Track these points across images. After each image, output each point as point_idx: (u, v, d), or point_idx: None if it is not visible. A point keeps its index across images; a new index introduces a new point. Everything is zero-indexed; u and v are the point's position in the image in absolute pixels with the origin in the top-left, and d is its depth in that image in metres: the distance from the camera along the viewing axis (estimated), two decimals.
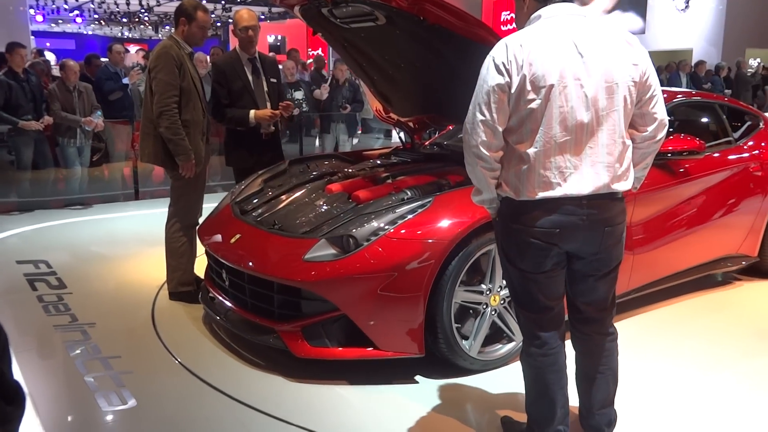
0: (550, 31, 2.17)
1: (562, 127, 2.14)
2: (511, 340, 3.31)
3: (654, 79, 2.26)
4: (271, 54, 7.56)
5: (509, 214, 2.30)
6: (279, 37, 20.99)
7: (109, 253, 5.37)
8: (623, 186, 2.26)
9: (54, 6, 23.86)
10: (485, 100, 2.16)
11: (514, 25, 2.42)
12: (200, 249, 4.00)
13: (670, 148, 3.78)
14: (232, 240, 3.48)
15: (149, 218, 6.54)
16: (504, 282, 3.17)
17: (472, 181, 2.36)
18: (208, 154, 4.22)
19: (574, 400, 2.50)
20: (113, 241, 5.76)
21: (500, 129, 2.19)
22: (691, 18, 15.94)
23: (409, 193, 3.42)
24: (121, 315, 4.01)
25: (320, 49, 19.51)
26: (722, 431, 2.78)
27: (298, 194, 3.82)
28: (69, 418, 2.90)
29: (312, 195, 3.78)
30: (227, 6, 22.62)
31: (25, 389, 2.99)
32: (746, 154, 4.44)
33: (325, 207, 3.56)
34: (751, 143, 4.53)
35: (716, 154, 4.30)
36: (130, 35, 33.58)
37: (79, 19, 27.62)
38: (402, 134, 4.71)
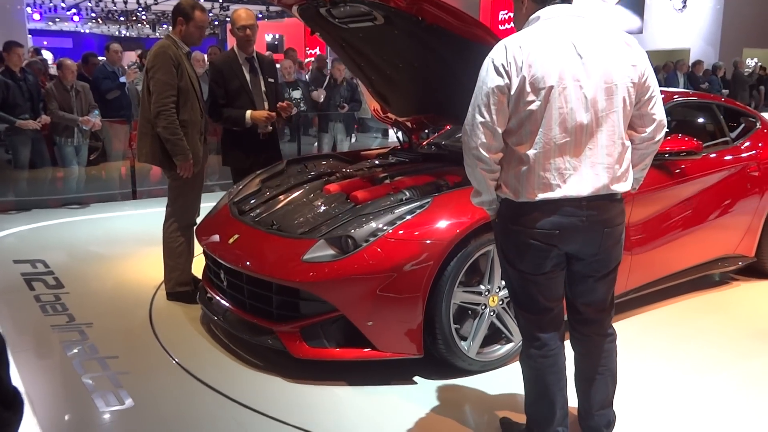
0: (549, 32, 2.17)
1: (561, 128, 2.14)
2: (509, 341, 3.31)
3: (653, 80, 2.26)
4: (268, 53, 7.54)
5: (509, 215, 2.29)
6: (277, 36, 20.95)
7: (106, 252, 5.36)
8: (622, 187, 2.26)
9: (51, 4, 23.84)
10: (485, 102, 2.16)
11: (512, 24, 2.41)
12: (198, 249, 4.00)
13: (668, 148, 3.78)
14: (231, 240, 3.48)
15: (147, 218, 6.54)
16: (502, 283, 3.17)
17: (471, 183, 2.36)
18: (205, 153, 4.21)
19: (573, 401, 2.50)
20: (111, 240, 5.75)
21: (500, 131, 2.18)
22: (689, 17, 15.96)
23: (407, 193, 3.42)
24: (118, 315, 4.00)
25: (318, 48, 19.51)
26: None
27: (296, 194, 3.82)
28: (66, 418, 2.89)
29: (310, 195, 3.77)
30: (225, 5, 22.61)
31: (23, 389, 3.00)
32: (743, 155, 4.45)
33: (323, 207, 3.56)
34: (747, 143, 4.54)
35: (713, 155, 4.30)
36: (128, 34, 33.54)
37: (76, 18, 27.58)
38: (400, 134, 4.71)
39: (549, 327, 2.37)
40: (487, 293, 3.20)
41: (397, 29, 3.48)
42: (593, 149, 2.18)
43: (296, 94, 8.42)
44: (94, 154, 7.68)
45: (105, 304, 4.20)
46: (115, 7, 24.78)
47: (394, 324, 3.02)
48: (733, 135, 4.60)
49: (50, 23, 30.34)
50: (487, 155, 2.20)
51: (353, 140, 9.32)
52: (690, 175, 4.03)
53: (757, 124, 4.71)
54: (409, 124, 4.56)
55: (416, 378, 3.19)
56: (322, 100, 8.81)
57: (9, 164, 7.28)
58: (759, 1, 15.20)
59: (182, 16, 3.96)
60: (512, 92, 2.14)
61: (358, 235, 3.07)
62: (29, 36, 17.97)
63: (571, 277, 2.36)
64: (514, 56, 2.12)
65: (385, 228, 3.08)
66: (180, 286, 4.16)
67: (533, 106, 2.13)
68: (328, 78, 9.14)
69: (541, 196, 2.19)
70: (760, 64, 14.08)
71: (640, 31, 16.30)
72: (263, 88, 4.52)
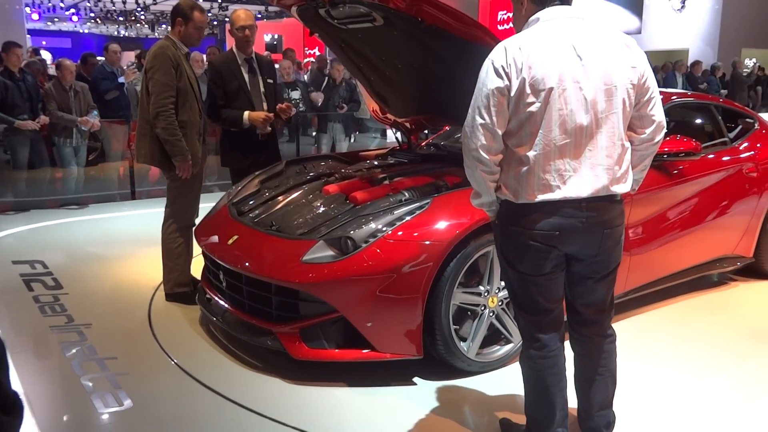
0: (548, 34, 2.17)
1: (561, 130, 2.14)
2: (509, 342, 3.31)
3: (652, 82, 2.27)
4: (267, 53, 7.55)
5: (508, 216, 2.30)
6: (276, 36, 20.96)
7: (105, 253, 5.36)
8: (622, 188, 2.26)
9: (50, 4, 23.81)
10: (485, 104, 2.16)
11: (511, 24, 2.42)
12: (197, 250, 3.99)
13: (667, 149, 3.78)
14: (230, 241, 3.47)
15: (146, 218, 6.53)
16: (502, 283, 3.17)
17: (471, 184, 2.36)
18: (204, 154, 4.21)
19: (572, 401, 2.50)
20: (109, 241, 5.75)
21: (500, 132, 2.19)
22: (688, 18, 15.98)
23: (406, 194, 3.42)
24: (117, 316, 4.00)
25: (317, 48, 19.50)
26: None
27: (295, 195, 3.81)
28: (65, 419, 2.89)
29: (309, 196, 3.77)
30: (224, 5, 22.60)
31: (21, 390, 3.00)
32: (741, 155, 4.45)
33: (322, 208, 3.56)
34: (745, 144, 4.55)
35: (711, 156, 4.31)
36: (127, 34, 33.53)
37: (75, 18, 27.56)
38: (399, 135, 4.71)
39: (549, 328, 2.37)
40: (486, 294, 3.20)
41: (397, 30, 3.48)
42: (593, 150, 2.18)
43: (295, 94, 8.42)
44: (93, 154, 7.67)
45: (104, 304, 4.20)
46: (113, 7, 24.77)
47: (394, 325, 3.02)
48: (732, 135, 4.61)
49: (49, 23, 30.33)
50: (487, 157, 2.20)
51: (352, 141, 9.32)
52: (688, 176, 4.04)
53: (755, 125, 4.71)
54: (408, 124, 4.56)
55: (416, 379, 3.19)
56: (320, 103, 8.82)
57: (8, 165, 7.26)
58: (758, 2, 15.22)
59: (181, 17, 3.96)
60: (512, 94, 2.14)
61: (357, 236, 3.07)
62: (28, 36, 17.96)
63: (570, 278, 2.36)
64: (514, 58, 2.13)
65: (384, 229, 3.08)
66: (179, 287, 4.16)
67: (533, 108, 2.14)
68: (327, 78, 9.14)
69: (540, 197, 2.19)
70: (758, 64, 14.09)
71: (639, 32, 16.32)
72: (262, 89, 4.52)
